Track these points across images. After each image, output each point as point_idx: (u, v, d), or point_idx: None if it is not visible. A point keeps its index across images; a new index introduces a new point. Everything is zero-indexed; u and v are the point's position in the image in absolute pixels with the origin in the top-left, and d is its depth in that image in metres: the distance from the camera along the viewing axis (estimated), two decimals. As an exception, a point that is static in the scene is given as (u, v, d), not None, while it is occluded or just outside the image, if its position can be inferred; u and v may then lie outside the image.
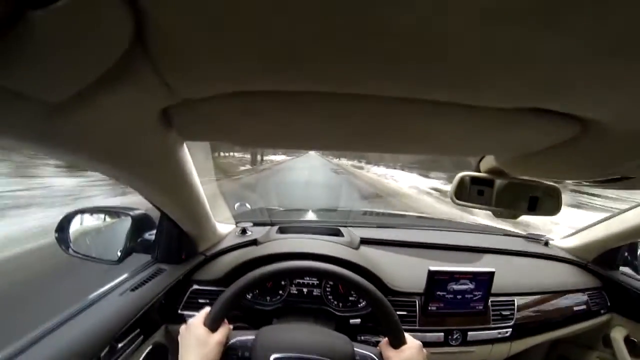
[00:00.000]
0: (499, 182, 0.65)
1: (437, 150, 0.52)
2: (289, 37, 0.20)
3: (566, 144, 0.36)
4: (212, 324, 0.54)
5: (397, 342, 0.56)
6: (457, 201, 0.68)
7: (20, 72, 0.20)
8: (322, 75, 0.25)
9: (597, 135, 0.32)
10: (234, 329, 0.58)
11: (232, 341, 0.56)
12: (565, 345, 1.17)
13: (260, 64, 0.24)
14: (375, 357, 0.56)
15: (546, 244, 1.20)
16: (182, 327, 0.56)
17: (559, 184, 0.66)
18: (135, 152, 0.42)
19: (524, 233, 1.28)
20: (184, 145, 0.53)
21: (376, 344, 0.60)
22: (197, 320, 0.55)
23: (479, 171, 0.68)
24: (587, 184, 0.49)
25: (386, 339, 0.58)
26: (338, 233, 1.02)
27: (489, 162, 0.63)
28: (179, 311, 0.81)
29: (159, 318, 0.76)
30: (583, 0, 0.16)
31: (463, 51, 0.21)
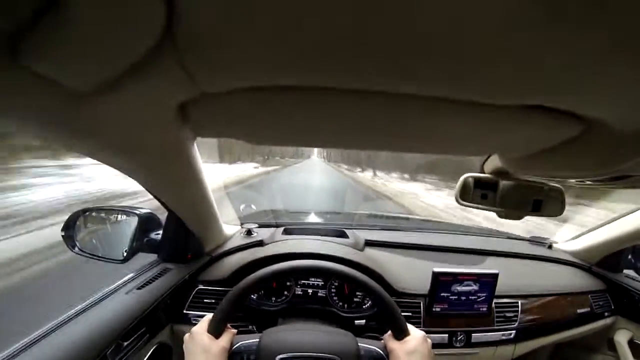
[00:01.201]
0: (503, 184, 0.66)
1: (444, 149, 0.52)
2: (310, 33, 0.21)
3: (570, 142, 0.37)
4: (216, 330, 0.54)
5: (400, 334, 0.56)
6: (462, 202, 0.69)
7: (53, 58, 0.21)
8: (336, 69, 0.26)
9: (600, 133, 0.33)
10: (238, 333, 0.59)
11: (236, 345, 0.56)
12: (570, 348, 1.17)
13: (281, 57, 0.24)
14: (380, 350, 0.57)
15: (550, 247, 1.20)
16: (186, 336, 0.56)
17: (563, 185, 0.66)
18: (148, 146, 0.43)
19: (527, 236, 1.28)
20: (195, 143, 0.54)
21: (380, 339, 0.61)
22: (200, 327, 0.55)
23: (483, 172, 0.69)
24: (590, 182, 0.49)
25: (390, 331, 0.58)
26: (343, 235, 1.03)
27: (492, 163, 0.64)
28: (185, 311, 0.81)
29: (165, 317, 0.76)
30: (587, 1, 0.17)
31: (471, 50, 0.22)
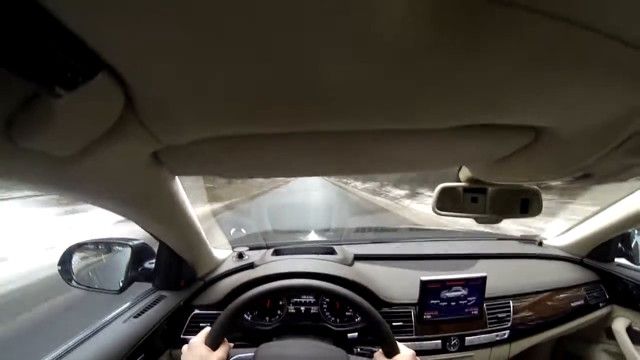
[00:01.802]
0: (490, 188, 0.67)
1: (408, 168, 0.55)
2: (249, 91, 0.25)
3: (526, 149, 0.38)
4: (213, 343, 0.56)
5: (391, 352, 0.58)
6: (440, 212, 0.70)
7: (38, 137, 0.26)
8: (290, 119, 0.30)
9: (550, 139, 0.34)
10: (235, 347, 0.61)
11: (233, 358, 0.58)
12: (570, 342, 1.18)
13: (225, 114, 0.29)
14: None
15: (540, 244, 1.21)
16: (184, 347, 0.58)
17: (538, 186, 0.68)
18: (131, 190, 0.47)
19: (517, 235, 1.29)
20: (176, 179, 0.57)
21: (372, 354, 0.62)
22: (198, 339, 0.58)
23: (459, 181, 0.70)
24: (556, 183, 0.51)
25: (380, 349, 0.60)
26: (332, 251, 1.04)
27: (466, 172, 0.66)
28: (182, 336, 0.83)
29: (163, 343, 0.78)
30: (500, 25, 0.18)
31: (396, 85, 0.24)
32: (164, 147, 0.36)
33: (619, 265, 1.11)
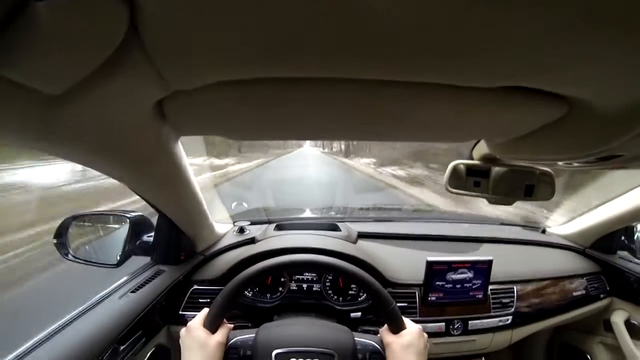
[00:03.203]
0: (495, 170, 0.66)
1: (427, 136, 0.52)
2: (279, 23, 0.21)
3: (555, 124, 0.37)
4: (212, 325, 0.54)
5: (397, 328, 0.56)
6: (452, 190, 0.69)
7: (22, 63, 0.21)
8: (313, 59, 0.26)
9: (584, 113, 0.33)
10: (234, 328, 0.59)
11: (232, 341, 0.56)
12: (567, 332, 1.18)
13: (250, 50, 0.25)
14: (377, 345, 0.57)
15: (543, 231, 1.21)
16: (182, 330, 0.56)
17: (552, 169, 0.66)
18: (130, 146, 0.42)
19: (521, 222, 1.29)
20: (179, 142, 0.54)
21: (377, 332, 0.61)
22: (196, 322, 0.55)
23: (472, 159, 0.69)
24: (578, 164, 0.49)
25: (386, 325, 0.58)
26: (335, 228, 1.03)
27: (481, 149, 0.64)
28: (180, 312, 0.81)
29: (161, 319, 0.76)
30: None
31: (443, 33, 0.21)
32: (170, 94, 0.32)
33: (622, 258, 1.10)
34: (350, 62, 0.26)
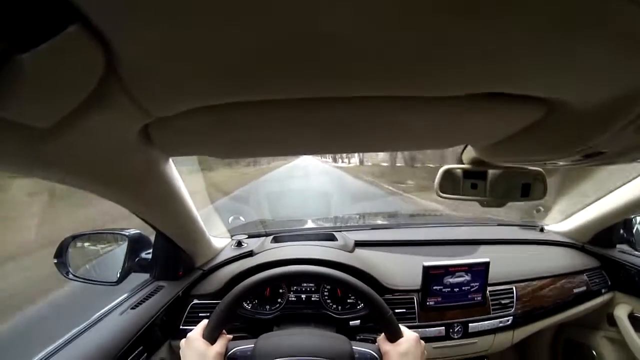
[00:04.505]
0: (491, 172, 0.66)
1: (410, 145, 0.53)
2: (247, 50, 0.22)
3: (535, 125, 0.37)
4: (211, 336, 0.55)
5: (394, 336, 0.57)
6: (443, 195, 0.69)
7: (11, 103, 0.23)
8: (284, 82, 0.27)
9: (562, 113, 0.33)
10: (234, 339, 0.59)
11: (231, 351, 0.56)
12: (571, 329, 1.18)
13: (220, 77, 0.26)
14: (374, 353, 0.57)
15: (541, 230, 1.20)
16: (182, 342, 0.57)
17: (542, 168, 0.67)
18: (121, 171, 0.44)
19: (518, 222, 1.28)
20: (169, 161, 0.55)
21: (375, 341, 0.61)
22: (195, 333, 0.56)
23: (462, 163, 0.69)
24: (564, 163, 0.50)
25: (383, 334, 0.58)
26: (332, 238, 1.03)
27: (469, 153, 0.64)
28: (181, 327, 0.81)
29: (162, 334, 0.77)
30: None
31: (413, 47, 0.22)
32: (153, 120, 0.34)
33: (621, 251, 1.10)
34: (322, 81, 0.27)
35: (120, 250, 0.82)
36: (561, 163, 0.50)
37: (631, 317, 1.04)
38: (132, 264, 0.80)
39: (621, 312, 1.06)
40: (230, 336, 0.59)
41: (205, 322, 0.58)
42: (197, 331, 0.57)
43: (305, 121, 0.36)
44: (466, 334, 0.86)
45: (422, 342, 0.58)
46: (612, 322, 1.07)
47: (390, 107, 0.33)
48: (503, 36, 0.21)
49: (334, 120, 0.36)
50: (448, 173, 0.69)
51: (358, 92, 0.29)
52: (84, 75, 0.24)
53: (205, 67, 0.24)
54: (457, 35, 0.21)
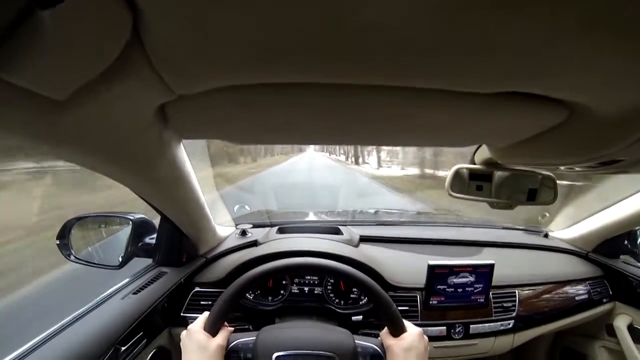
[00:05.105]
0: (497, 174, 0.66)
1: (427, 140, 0.52)
2: (279, 29, 0.21)
3: (555, 129, 0.37)
4: (212, 328, 0.54)
5: (397, 330, 0.56)
6: (454, 194, 0.69)
7: (28, 69, 0.21)
8: (313, 65, 0.26)
9: (584, 118, 0.33)
10: (235, 331, 0.59)
11: (233, 344, 0.56)
12: (570, 336, 1.18)
13: (251, 56, 0.25)
14: (377, 348, 0.57)
15: (546, 235, 1.20)
16: (183, 334, 0.56)
17: (554, 173, 0.66)
18: (132, 149, 0.43)
19: (523, 226, 1.28)
20: (181, 145, 0.54)
21: (377, 335, 0.61)
22: (196, 325, 0.56)
23: (474, 163, 0.69)
24: (580, 169, 0.49)
25: (386, 328, 0.58)
26: (337, 231, 1.03)
27: (482, 154, 0.64)
28: (182, 314, 0.81)
29: (162, 321, 0.76)
30: None
31: (441, 40, 0.22)
32: (172, 98, 0.33)
33: (625, 262, 1.10)
34: (350, 67, 0.26)
35: (123, 234, 0.82)
36: (577, 169, 0.50)
37: (630, 328, 1.04)
38: (135, 249, 0.80)
39: (621, 323, 1.05)
40: (232, 328, 0.58)
41: (206, 314, 0.57)
42: (198, 323, 0.56)
43: (327, 108, 0.36)
44: (467, 335, 0.85)
45: (425, 337, 0.58)
46: (611, 332, 1.07)
47: (413, 99, 0.33)
48: (533, 34, 0.20)
49: (352, 108, 0.36)
50: (457, 173, 0.68)
51: (384, 80, 0.29)
52: (107, 41, 0.22)
53: (235, 43, 0.23)
54: (489, 31, 0.20)
